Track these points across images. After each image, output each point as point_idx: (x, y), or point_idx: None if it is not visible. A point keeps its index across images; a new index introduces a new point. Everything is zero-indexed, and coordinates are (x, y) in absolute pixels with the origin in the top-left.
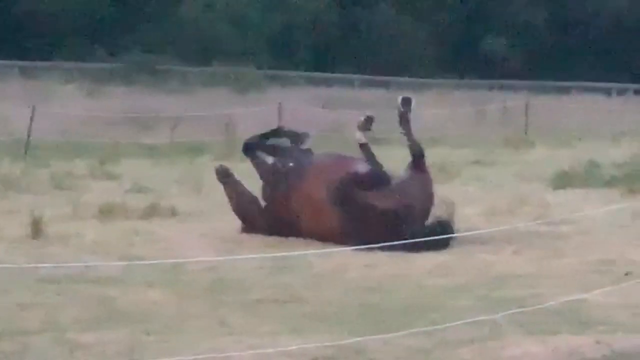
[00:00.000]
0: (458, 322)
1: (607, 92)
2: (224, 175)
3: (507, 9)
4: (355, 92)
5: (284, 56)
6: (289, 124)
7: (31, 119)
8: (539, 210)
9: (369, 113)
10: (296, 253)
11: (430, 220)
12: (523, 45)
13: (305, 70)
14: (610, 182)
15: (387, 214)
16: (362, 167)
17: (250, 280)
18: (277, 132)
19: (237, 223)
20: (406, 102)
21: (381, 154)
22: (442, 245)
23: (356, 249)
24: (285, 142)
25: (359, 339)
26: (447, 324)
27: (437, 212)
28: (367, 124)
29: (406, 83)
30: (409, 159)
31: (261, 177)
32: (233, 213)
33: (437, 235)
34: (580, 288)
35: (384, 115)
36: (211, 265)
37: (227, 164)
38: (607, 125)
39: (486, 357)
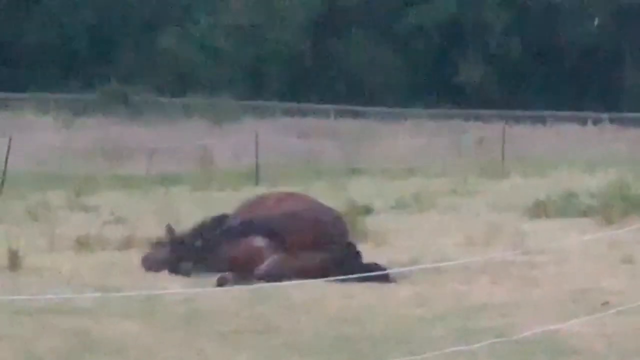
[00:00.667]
0: (435, 353)
1: (583, 121)
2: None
3: (483, 38)
4: (330, 122)
5: (259, 86)
6: (265, 154)
7: (8, 150)
8: (514, 239)
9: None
10: (272, 284)
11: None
12: (498, 74)
13: (281, 101)
14: (586, 212)
15: None
16: None
17: (227, 311)
18: None
19: None
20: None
21: (355, 182)
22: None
23: (332, 280)
24: None
25: None
26: (424, 355)
27: None
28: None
29: (381, 113)
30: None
31: None
32: None
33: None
34: (556, 318)
35: (359, 145)
36: (187, 297)
37: (203, 194)
38: (583, 154)
39: None
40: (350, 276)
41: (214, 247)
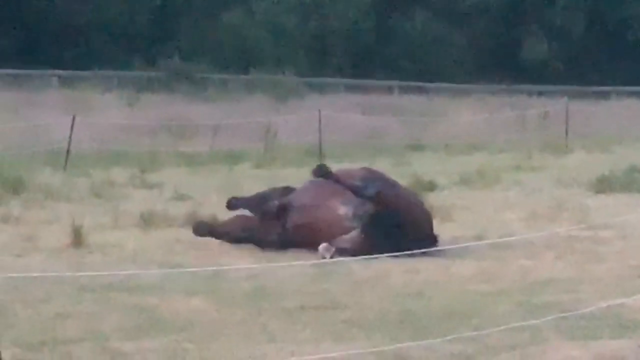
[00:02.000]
0: (499, 328)
1: None
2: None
3: (546, 14)
4: (394, 98)
5: (322, 63)
6: (329, 131)
7: (71, 128)
8: (579, 215)
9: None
10: (336, 259)
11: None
12: (562, 50)
13: (343, 77)
14: None
15: None
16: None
17: (291, 287)
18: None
19: None
20: (319, 171)
21: (419, 158)
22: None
23: (397, 255)
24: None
25: (400, 345)
26: (489, 330)
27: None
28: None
29: (445, 89)
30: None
31: None
32: None
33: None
34: (621, 293)
35: (422, 121)
36: (252, 273)
37: (266, 171)
38: None
39: None
40: (416, 251)
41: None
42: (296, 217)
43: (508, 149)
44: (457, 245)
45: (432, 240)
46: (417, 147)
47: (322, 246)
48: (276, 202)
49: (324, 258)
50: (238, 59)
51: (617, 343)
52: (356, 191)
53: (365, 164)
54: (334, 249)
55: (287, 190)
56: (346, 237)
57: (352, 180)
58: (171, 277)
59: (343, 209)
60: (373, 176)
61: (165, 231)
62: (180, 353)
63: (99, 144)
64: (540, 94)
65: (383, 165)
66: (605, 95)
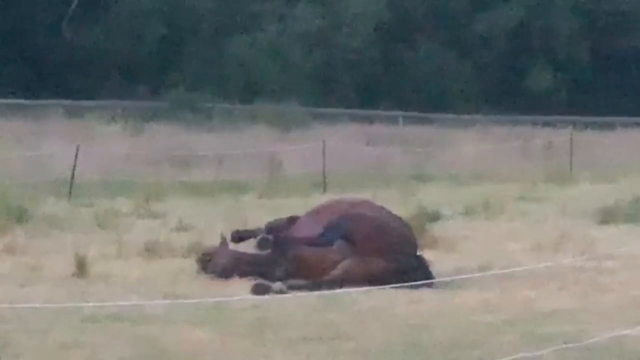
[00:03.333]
0: (504, 359)
1: None
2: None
3: (551, 44)
4: (398, 128)
5: (327, 93)
6: (333, 161)
7: (75, 158)
8: (583, 245)
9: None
10: (340, 290)
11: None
12: (567, 80)
13: (348, 107)
14: None
15: None
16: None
17: (295, 318)
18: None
19: None
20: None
21: (423, 189)
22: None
23: (401, 286)
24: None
25: None
26: None
27: None
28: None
29: (449, 119)
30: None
31: None
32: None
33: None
34: (625, 323)
35: (427, 151)
36: (255, 304)
37: (271, 201)
38: None
39: None
40: (417, 282)
41: (284, 249)
42: (296, 250)
43: (513, 179)
44: (461, 276)
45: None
46: (422, 178)
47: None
48: (271, 237)
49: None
50: (243, 88)
51: None
52: (316, 243)
53: (370, 195)
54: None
55: (291, 220)
56: (339, 266)
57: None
58: (175, 308)
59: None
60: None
61: (169, 261)
62: None
63: (103, 174)
64: (545, 124)
65: (387, 196)
66: (610, 126)
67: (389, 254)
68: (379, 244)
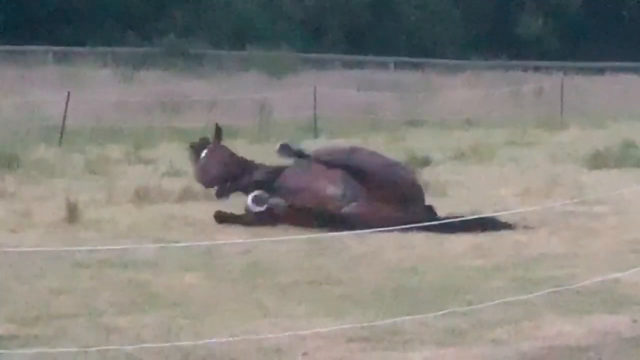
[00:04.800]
0: (493, 303)
1: None
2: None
3: None
4: (390, 74)
5: (318, 39)
6: (324, 107)
7: (66, 104)
8: (573, 190)
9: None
10: (331, 234)
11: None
12: (558, 25)
13: (339, 53)
14: None
15: None
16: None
17: (285, 263)
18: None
19: None
20: (284, 149)
21: (414, 134)
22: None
23: (392, 230)
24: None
25: (394, 320)
26: (482, 305)
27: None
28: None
29: (440, 65)
30: None
31: None
32: None
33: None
34: (615, 268)
35: (418, 97)
36: (246, 248)
37: (262, 146)
38: None
39: (521, 337)
40: (410, 225)
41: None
42: (289, 201)
43: (503, 124)
44: (451, 220)
45: (428, 211)
46: (413, 123)
47: (251, 196)
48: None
49: (255, 210)
50: (233, 35)
51: (611, 318)
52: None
53: (360, 140)
54: (266, 198)
55: (277, 170)
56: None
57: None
58: (166, 253)
59: (331, 188)
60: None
61: (160, 207)
62: (174, 328)
63: (94, 120)
64: (535, 69)
65: (378, 141)
66: (600, 71)
67: (399, 203)
68: (391, 193)
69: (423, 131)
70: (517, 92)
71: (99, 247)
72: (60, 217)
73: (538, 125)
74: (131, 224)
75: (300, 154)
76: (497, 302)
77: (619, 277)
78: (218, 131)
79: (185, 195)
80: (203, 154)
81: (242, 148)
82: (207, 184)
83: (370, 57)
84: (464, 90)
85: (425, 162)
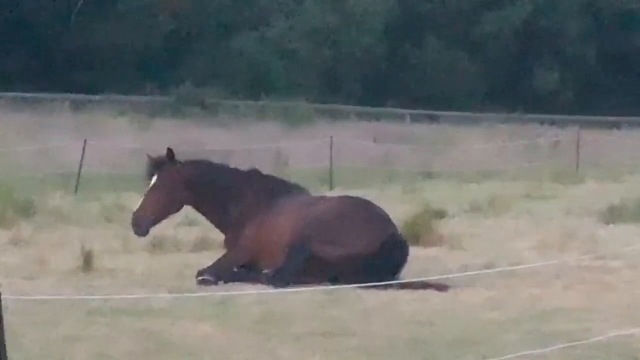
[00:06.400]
0: (508, 356)
1: None
2: None
3: (558, 43)
4: (406, 126)
5: (334, 90)
6: (340, 158)
7: (82, 151)
8: (589, 244)
9: None
10: (345, 286)
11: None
12: (573, 79)
13: (355, 104)
14: None
15: None
16: None
17: (300, 313)
18: None
19: None
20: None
21: (430, 186)
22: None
23: (406, 283)
24: None
25: None
26: (497, 358)
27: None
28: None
29: (456, 117)
30: None
31: None
32: None
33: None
34: (630, 322)
35: (434, 149)
36: (260, 299)
37: None
38: None
39: None
40: (423, 279)
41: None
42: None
43: (519, 177)
44: (466, 274)
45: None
46: (428, 175)
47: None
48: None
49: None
50: (250, 84)
51: None
52: None
53: (376, 191)
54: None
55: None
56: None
57: None
58: (180, 302)
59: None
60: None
61: (175, 256)
62: None
63: (110, 168)
64: (551, 122)
65: (394, 193)
66: (616, 125)
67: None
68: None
69: (439, 183)
70: (533, 145)
71: (114, 296)
72: (76, 265)
73: (554, 179)
74: (146, 273)
75: None
76: (511, 355)
77: (633, 332)
78: (169, 153)
79: (200, 245)
80: (153, 180)
81: None
82: (141, 234)
83: (386, 109)
84: (479, 143)
85: (441, 214)
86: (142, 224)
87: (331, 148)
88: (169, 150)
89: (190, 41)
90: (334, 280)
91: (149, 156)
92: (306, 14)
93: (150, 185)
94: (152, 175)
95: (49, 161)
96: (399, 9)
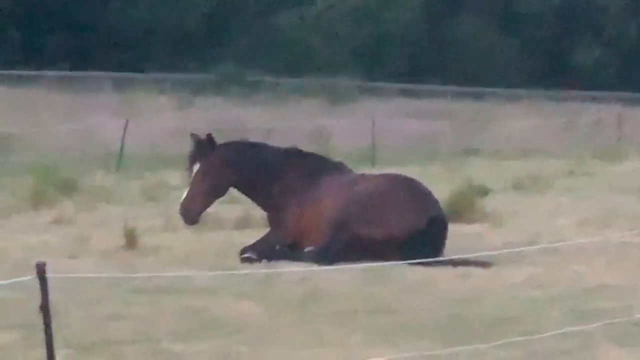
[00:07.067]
0: (549, 334)
1: None
2: None
3: (598, 20)
4: (447, 103)
5: (376, 68)
6: (382, 135)
7: (124, 131)
8: (631, 221)
9: None
10: (388, 264)
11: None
12: (615, 56)
13: (397, 82)
14: None
15: None
16: None
17: (343, 291)
18: None
19: None
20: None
21: (472, 163)
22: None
23: (448, 260)
24: None
25: (450, 349)
26: (539, 335)
27: None
28: None
29: (498, 94)
30: None
31: None
32: None
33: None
34: None
35: (475, 127)
36: (303, 277)
37: None
38: None
39: None
40: (466, 256)
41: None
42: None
43: (560, 154)
44: (508, 251)
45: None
46: (470, 152)
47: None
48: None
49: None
50: (291, 62)
51: None
52: None
53: (418, 169)
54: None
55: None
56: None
57: None
58: (223, 280)
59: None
60: None
61: (217, 234)
62: (231, 355)
63: (151, 147)
64: (593, 99)
65: (435, 170)
66: None
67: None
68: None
69: (480, 161)
70: (574, 122)
71: (157, 274)
72: (118, 244)
73: (595, 156)
74: (188, 251)
75: None
76: (553, 332)
77: None
78: (210, 139)
79: (243, 223)
80: (195, 167)
81: None
82: (191, 222)
83: (427, 86)
84: (520, 120)
85: (484, 191)
86: (191, 212)
87: (373, 126)
88: (209, 136)
89: (230, 19)
90: (377, 259)
91: (193, 135)
92: None
93: (194, 172)
94: (194, 163)
95: (91, 140)
96: None
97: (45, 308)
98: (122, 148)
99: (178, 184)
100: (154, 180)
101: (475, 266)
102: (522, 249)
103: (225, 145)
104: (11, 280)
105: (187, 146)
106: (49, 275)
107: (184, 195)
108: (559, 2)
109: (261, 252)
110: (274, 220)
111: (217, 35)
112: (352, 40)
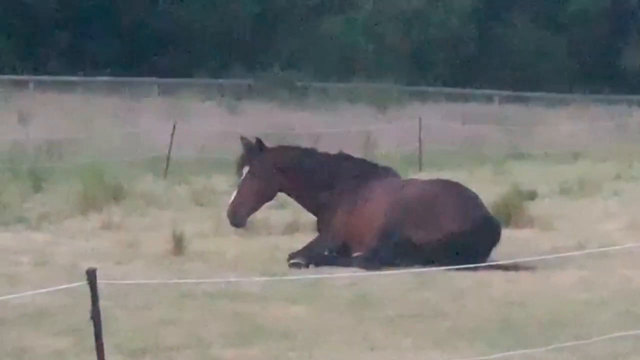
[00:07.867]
0: (601, 337)
1: None
2: None
3: None
4: (494, 107)
5: (423, 72)
6: (429, 140)
7: (171, 135)
8: None
9: None
10: (437, 268)
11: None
12: None
13: (444, 86)
14: None
15: None
16: None
17: (392, 296)
18: None
19: None
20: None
21: (519, 167)
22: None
23: (498, 264)
24: None
25: (502, 354)
26: (590, 339)
27: None
28: None
29: (545, 98)
30: None
31: None
32: None
33: None
34: None
35: (523, 130)
36: (352, 281)
37: None
38: None
39: None
40: (514, 260)
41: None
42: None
43: (608, 158)
44: (557, 255)
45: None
46: (517, 156)
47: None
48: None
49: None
50: (338, 67)
51: None
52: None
53: (466, 173)
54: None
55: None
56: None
57: None
58: (272, 285)
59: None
60: None
61: (266, 239)
62: None
63: (199, 151)
64: None
65: (483, 174)
66: None
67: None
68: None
69: (528, 164)
70: (622, 126)
71: (206, 280)
72: (167, 249)
73: None
74: (238, 256)
75: None
76: (605, 336)
77: None
78: (259, 143)
79: (291, 228)
80: (244, 171)
81: None
82: (239, 225)
83: (474, 90)
84: (568, 124)
85: (532, 195)
86: (238, 215)
87: (420, 130)
88: (258, 140)
89: (277, 24)
90: (425, 263)
91: (242, 138)
92: None
93: (243, 175)
94: (243, 166)
95: (139, 145)
96: None
97: (96, 315)
98: (169, 152)
99: (226, 188)
100: (202, 184)
101: (524, 270)
102: (570, 253)
103: (275, 149)
104: (61, 287)
105: (235, 151)
106: (99, 281)
107: (232, 197)
108: (607, 4)
109: (309, 257)
110: (323, 224)
111: (265, 40)
112: (400, 44)
